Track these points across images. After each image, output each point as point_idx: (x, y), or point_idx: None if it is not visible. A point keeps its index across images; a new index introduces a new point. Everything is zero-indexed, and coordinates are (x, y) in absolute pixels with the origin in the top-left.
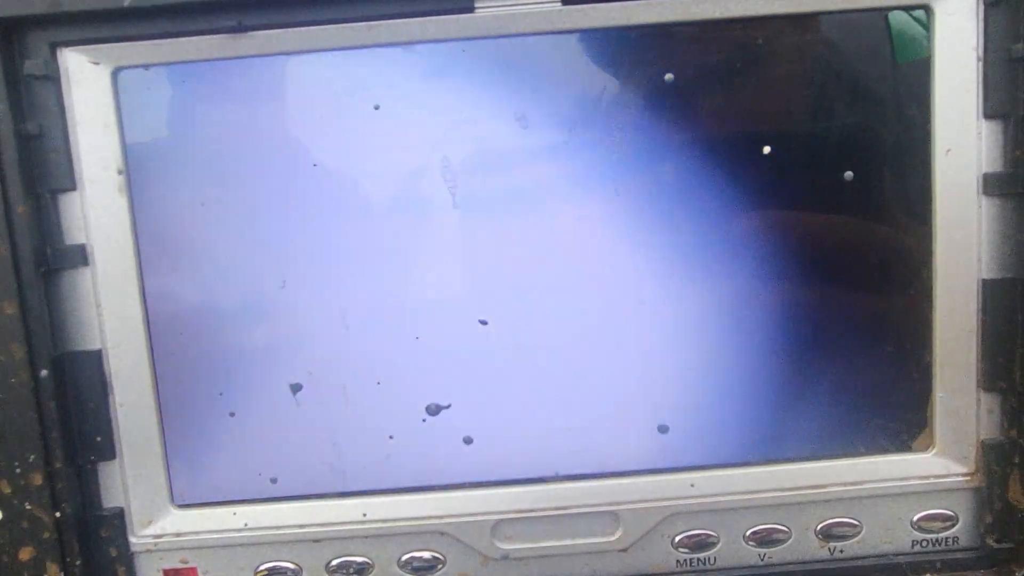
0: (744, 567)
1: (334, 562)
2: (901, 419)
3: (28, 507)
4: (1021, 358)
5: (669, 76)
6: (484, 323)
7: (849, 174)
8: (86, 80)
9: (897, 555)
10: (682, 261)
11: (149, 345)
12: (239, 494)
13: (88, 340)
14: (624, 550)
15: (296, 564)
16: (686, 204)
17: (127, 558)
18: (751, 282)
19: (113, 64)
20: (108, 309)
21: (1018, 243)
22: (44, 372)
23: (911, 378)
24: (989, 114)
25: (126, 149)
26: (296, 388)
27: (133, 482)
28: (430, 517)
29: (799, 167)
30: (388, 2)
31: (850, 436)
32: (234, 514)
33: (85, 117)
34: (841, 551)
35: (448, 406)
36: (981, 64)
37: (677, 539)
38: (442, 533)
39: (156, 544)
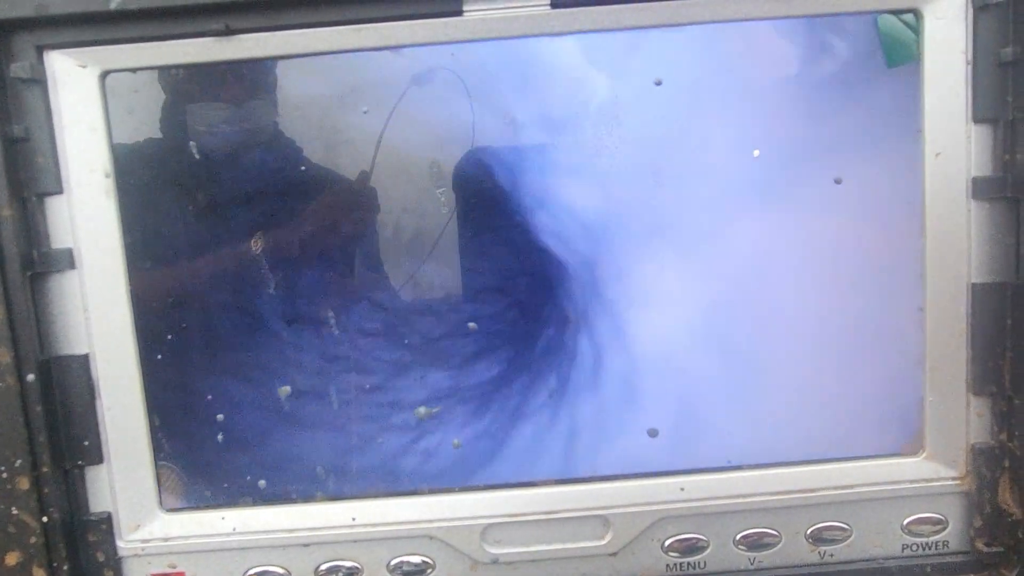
0: (734, 571)
1: (323, 566)
2: (891, 423)
3: (15, 511)
4: (1010, 362)
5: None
6: (474, 326)
7: (838, 177)
8: (73, 83)
9: (887, 559)
10: (673, 264)
11: (137, 349)
12: (227, 498)
13: (75, 344)
14: (614, 554)
15: (285, 568)
16: (670, 207)
17: (115, 563)
18: (741, 286)
19: (100, 67)
20: (95, 313)
21: (1007, 247)
22: (31, 376)
23: (901, 382)
24: (978, 118)
25: (113, 152)
26: (284, 392)
27: (121, 486)
28: (419, 521)
29: (788, 170)
30: (376, 5)
31: (840, 440)
32: (222, 518)
33: (72, 120)
34: (831, 555)
35: (437, 410)
36: (970, 68)
37: (667, 543)
38: (431, 537)
39: (144, 549)
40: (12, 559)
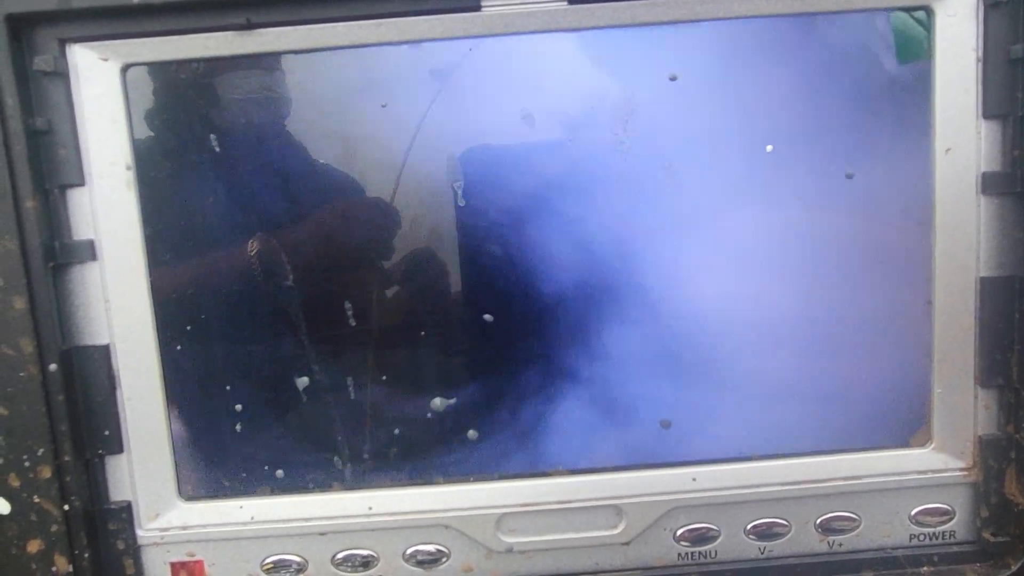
0: (744, 560)
1: (339, 555)
2: (900, 415)
3: (36, 500)
4: (1018, 355)
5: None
6: (489, 318)
7: (850, 172)
8: (95, 76)
9: (895, 549)
10: (683, 257)
11: (156, 340)
12: (245, 487)
13: (96, 335)
14: (626, 543)
15: (302, 557)
16: (684, 202)
17: (134, 551)
18: (752, 279)
19: (122, 60)
20: (116, 304)
21: (1016, 241)
22: (53, 366)
23: (910, 374)
24: (988, 114)
25: (134, 145)
26: (302, 382)
27: (140, 476)
28: (435, 511)
29: (800, 165)
30: (396, 1)
31: (849, 431)
32: (240, 507)
33: (94, 113)
34: (840, 545)
35: (453, 400)
36: (981, 65)
37: (679, 532)
38: (447, 526)
39: (163, 537)
40: (34, 547)
